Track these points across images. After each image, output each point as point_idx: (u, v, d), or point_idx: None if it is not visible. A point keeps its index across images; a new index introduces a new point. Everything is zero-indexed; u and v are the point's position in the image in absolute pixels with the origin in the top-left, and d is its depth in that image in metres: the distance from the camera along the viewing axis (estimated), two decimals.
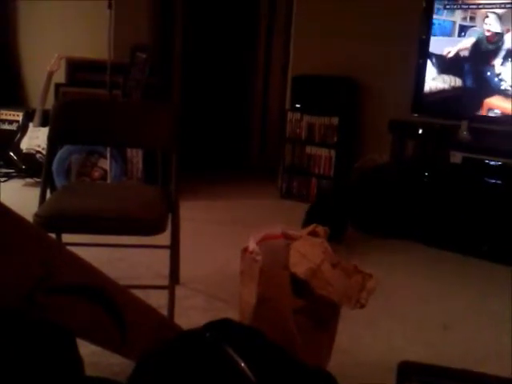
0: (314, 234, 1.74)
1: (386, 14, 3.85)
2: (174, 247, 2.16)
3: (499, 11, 3.18)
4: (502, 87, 3.22)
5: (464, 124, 3.30)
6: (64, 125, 2.27)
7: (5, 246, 0.92)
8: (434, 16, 3.41)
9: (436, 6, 3.40)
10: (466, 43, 3.33)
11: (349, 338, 2.06)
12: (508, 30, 3.16)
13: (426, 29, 3.45)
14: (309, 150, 4.07)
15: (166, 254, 2.11)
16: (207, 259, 2.86)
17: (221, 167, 5.14)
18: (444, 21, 3.39)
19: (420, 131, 3.44)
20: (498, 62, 3.22)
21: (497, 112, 3.27)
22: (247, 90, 5.38)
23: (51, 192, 2.26)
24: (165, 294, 2.06)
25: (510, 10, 3.15)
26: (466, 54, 3.34)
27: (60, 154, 3.68)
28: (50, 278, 0.99)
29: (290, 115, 4.12)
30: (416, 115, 3.54)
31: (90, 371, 1.21)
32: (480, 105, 3.31)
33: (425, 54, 3.48)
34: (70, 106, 2.37)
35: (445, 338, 2.18)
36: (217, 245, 3.09)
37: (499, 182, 3.08)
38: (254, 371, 1.01)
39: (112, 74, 3.55)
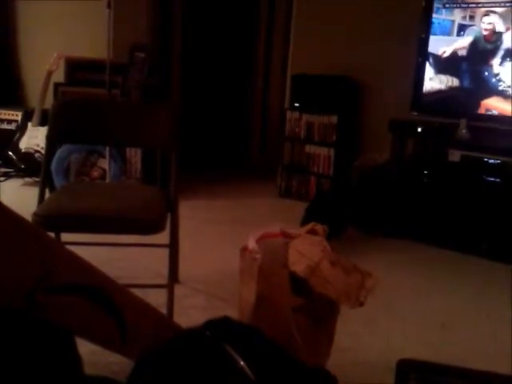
0: (312, 232, 1.74)
1: (385, 12, 3.85)
2: (173, 246, 2.16)
3: (498, 10, 3.17)
4: (500, 88, 3.21)
5: (463, 122, 3.30)
6: (63, 124, 2.27)
7: (4, 245, 0.92)
8: (434, 15, 3.41)
9: (435, 4, 3.39)
10: (464, 42, 3.32)
11: (348, 336, 2.06)
12: (508, 29, 3.15)
13: (425, 28, 3.45)
14: (308, 148, 4.07)
15: (166, 253, 2.11)
16: (206, 258, 2.87)
17: (220, 166, 5.14)
18: (443, 20, 3.38)
19: (419, 130, 3.44)
20: (496, 61, 3.21)
21: (495, 112, 3.26)
22: (247, 89, 5.38)
23: (50, 191, 2.27)
24: (164, 292, 2.06)
25: (509, 8, 3.14)
26: (464, 53, 3.34)
27: (59, 153, 3.68)
28: (49, 277, 0.99)
29: (289, 114, 4.12)
30: (415, 114, 3.54)
31: (89, 370, 1.21)
32: (479, 103, 3.31)
33: (424, 52, 3.48)
34: (68, 106, 2.37)
35: (444, 337, 2.19)
36: (216, 244, 3.09)
37: (498, 180, 3.08)
38: (253, 370, 1.01)
39: (111, 74, 3.55)
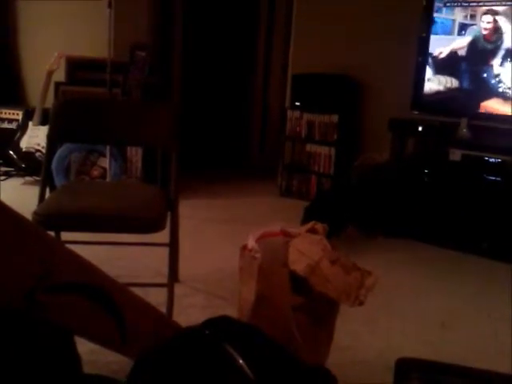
0: (313, 231, 1.74)
1: (385, 11, 3.84)
2: (173, 245, 2.17)
3: (499, 8, 3.16)
4: (500, 90, 3.19)
5: (464, 121, 3.29)
6: (64, 123, 2.27)
7: (4, 244, 0.92)
8: (434, 14, 3.40)
9: (436, 3, 3.39)
10: (462, 42, 3.30)
11: (347, 335, 2.07)
12: (509, 28, 3.13)
13: (426, 27, 3.45)
14: (309, 147, 4.07)
15: (166, 252, 2.12)
16: (206, 257, 2.87)
17: (221, 165, 5.14)
18: (444, 19, 3.37)
19: (420, 129, 3.44)
20: (496, 62, 3.19)
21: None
22: (247, 88, 5.38)
23: (50, 190, 2.26)
24: (164, 291, 2.07)
25: (510, 7, 3.12)
26: (463, 53, 3.32)
27: (59, 152, 3.68)
28: (49, 276, 0.99)
29: (289, 113, 4.12)
30: (416, 113, 3.54)
31: (88, 369, 1.22)
32: (479, 103, 3.30)
33: (424, 51, 3.47)
34: (69, 105, 2.38)
35: (444, 336, 2.19)
36: (216, 243, 3.09)
37: (499, 179, 3.08)
38: (252, 368, 1.01)
39: (112, 73, 3.55)
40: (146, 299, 1.31)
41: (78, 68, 4.14)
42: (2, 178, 4.14)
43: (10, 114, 4.41)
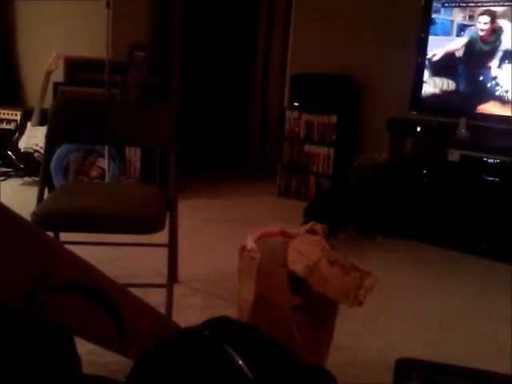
0: (312, 231, 1.74)
1: (384, 12, 3.85)
2: (173, 245, 2.17)
3: (497, 9, 3.15)
4: (498, 93, 3.16)
5: (462, 121, 3.30)
6: (62, 124, 2.27)
7: (4, 244, 0.92)
8: (433, 15, 3.40)
9: (434, 4, 3.39)
10: (458, 43, 3.29)
11: (347, 335, 2.06)
12: (507, 29, 3.13)
13: (424, 27, 3.45)
14: (307, 148, 4.07)
15: (165, 252, 2.12)
16: (206, 257, 2.87)
17: (220, 166, 5.13)
18: (443, 20, 3.37)
19: (418, 129, 3.44)
20: (494, 64, 3.16)
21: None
22: (246, 88, 5.38)
23: (49, 191, 2.26)
24: (163, 292, 2.06)
25: (509, 7, 3.12)
26: (459, 54, 3.30)
27: (58, 152, 3.68)
28: (48, 276, 0.99)
29: (288, 114, 4.12)
30: (414, 113, 3.54)
31: (87, 370, 1.22)
32: (478, 103, 3.30)
33: (423, 52, 3.47)
34: (68, 105, 2.37)
35: (443, 336, 2.19)
36: (215, 243, 3.09)
37: (497, 180, 3.08)
38: (251, 369, 1.01)
39: (110, 73, 3.54)
40: (145, 300, 1.31)
41: (76, 68, 4.13)
42: (1, 178, 4.13)
43: (8, 114, 4.40)
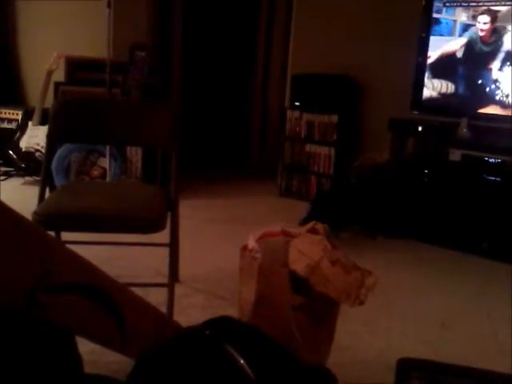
0: (313, 231, 1.74)
1: (385, 11, 3.84)
2: (174, 245, 2.17)
3: (498, 8, 3.14)
4: (498, 97, 3.14)
5: (463, 121, 3.29)
6: (63, 123, 2.27)
7: (4, 244, 0.92)
8: (435, 14, 3.39)
9: (435, 3, 3.38)
10: (458, 44, 3.26)
11: (348, 335, 2.06)
12: (508, 29, 3.11)
13: (425, 27, 3.44)
14: (308, 148, 4.07)
15: (166, 252, 2.12)
16: (206, 257, 2.87)
17: (220, 165, 5.14)
18: (444, 20, 3.36)
19: (419, 129, 3.44)
20: (495, 65, 3.14)
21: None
22: (247, 88, 5.38)
23: (50, 190, 2.26)
24: (164, 291, 2.06)
25: (510, 7, 3.10)
26: (458, 56, 3.29)
27: (59, 152, 3.68)
28: (49, 276, 0.99)
29: (289, 113, 4.12)
30: (416, 113, 3.54)
31: (89, 369, 1.22)
32: (480, 103, 3.29)
33: (424, 52, 3.47)
34: (69, 105, 2.38)
35: (444, 336, 2.19)
36: (216, 243, 3.09)
37: (498, 180, 3.08)
38: (253, 368, 1.01)
39: (111, 73, 3.55)
40: (146, 299, 1.31)
41: (77, 68, 4.14)
42: (2, 178, 4.14)
43: (9, 113, 4.41)
